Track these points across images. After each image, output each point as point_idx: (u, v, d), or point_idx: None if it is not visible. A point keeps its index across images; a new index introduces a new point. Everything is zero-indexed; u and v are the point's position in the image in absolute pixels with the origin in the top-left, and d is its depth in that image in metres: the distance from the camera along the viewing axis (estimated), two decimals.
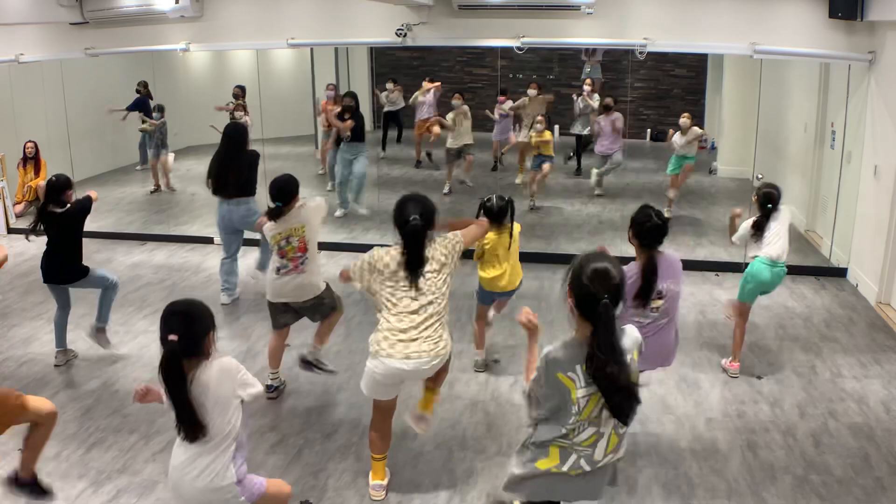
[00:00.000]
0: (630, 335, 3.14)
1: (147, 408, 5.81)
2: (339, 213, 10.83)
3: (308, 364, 5.86)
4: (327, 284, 5.80)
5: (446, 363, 4.57)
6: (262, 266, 7.88)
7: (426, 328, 4.31)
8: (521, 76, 13.81)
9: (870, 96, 8.11)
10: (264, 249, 7.70)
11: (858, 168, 8.31)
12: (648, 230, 4.66)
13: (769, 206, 6.09)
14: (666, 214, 4.91)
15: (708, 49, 9.85)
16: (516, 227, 5.98)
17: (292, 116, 13.55)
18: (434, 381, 4.74)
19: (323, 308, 5.76)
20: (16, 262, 9.22)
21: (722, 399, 5.89)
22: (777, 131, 11.18)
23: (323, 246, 8.86)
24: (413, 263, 4.31)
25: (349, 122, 10.39)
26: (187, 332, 3.31)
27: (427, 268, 4.34)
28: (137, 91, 12.05)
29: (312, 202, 5.71)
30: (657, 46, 8.49)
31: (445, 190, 11.73)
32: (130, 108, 12.02)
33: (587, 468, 3.16)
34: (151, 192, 12.26)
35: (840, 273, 8.62)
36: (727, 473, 4.93)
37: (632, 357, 3.08)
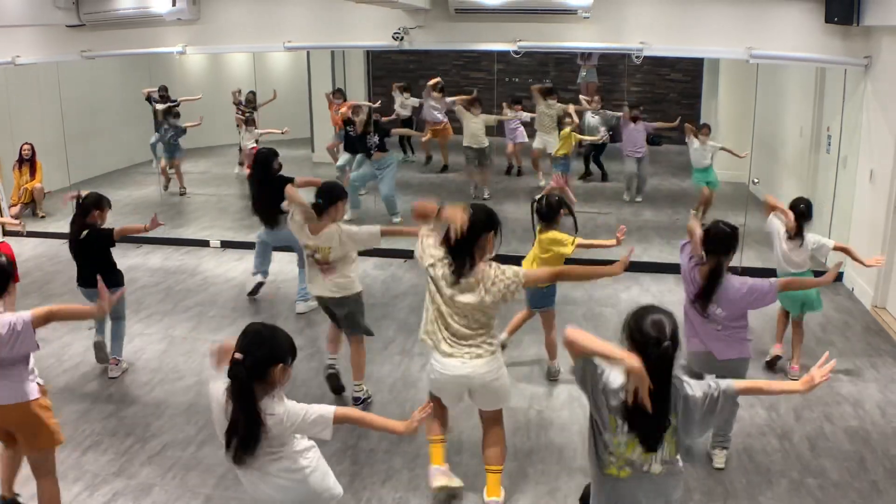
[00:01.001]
0: (698, 386, 3.17)
1: (143, 411, 5.83)
2: (397, 220, 10.76)
3: (360, 401, 5.89)
4: (359, 296, 5.79)
5: None
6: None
7: None
8: (517, 80, 13.83)
9: (865, 101, 8.13)
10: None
11: (854, 172, 8.33)
12: (714, 237, 4.80)
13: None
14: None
15: (704, 53, 9.88)
16: (551, 234, 5.98)
17: (288, 119, 13.53)
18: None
19: (346, 313, 5.72)
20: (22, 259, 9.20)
21: None
22: (773, 136, 11.21)
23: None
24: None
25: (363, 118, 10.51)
26: (251, 352, 3.20)
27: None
28: (162, 96, 12.11)
29: (355, 228, 5.62)
30: (653, 51, 8.52)
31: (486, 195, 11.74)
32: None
33: (630, 471, 3.21)
34: (165, 190, 12.23)
35: (836, 277, 8.62)
36: (723, 477, 4.94)
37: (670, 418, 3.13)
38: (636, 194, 11.80)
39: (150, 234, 10.20)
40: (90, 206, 6.23)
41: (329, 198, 5.55)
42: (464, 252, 4.22)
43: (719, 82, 12.66)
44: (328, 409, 3.38)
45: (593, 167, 12.80)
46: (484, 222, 4.25)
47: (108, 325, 6.49)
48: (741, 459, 5.14)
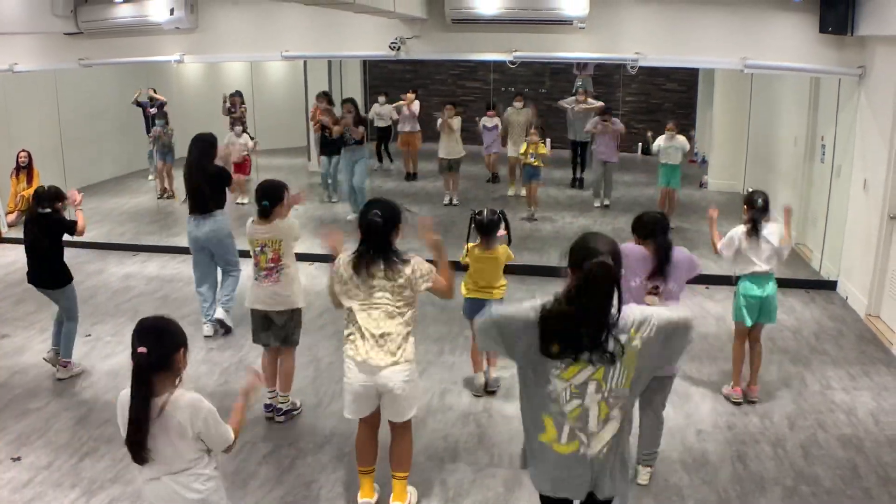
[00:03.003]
0: (639, 310, 3.06)
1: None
2: (350, 216, 10.92)
3: (281, 412, 5.79)
4: (300, 313, 5.78)
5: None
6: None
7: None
8: (513, 89, 13.91)
9: (859, 110, 8.18)
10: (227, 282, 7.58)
11: (848, 182, 8.38)
12: (645, 222, 4.83)
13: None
14: None
15: (699, 63, 9.95)
16: (504, 250, 5.94)
17: (285, 128, 13.60)
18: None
19: (285, 322, 5.69)
20: (7, 271, 9.23)
21: (712, 411, 5.92)
22: (767, 145, 11.27)
23: (316, 258, 8.93)
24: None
25: (362, 130, 10.69)
26: (158, 343, 3.24)
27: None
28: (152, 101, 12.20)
29: (288, 221, 5.72)
30: (648, 61, 8.58)
31: (446, 201, 11.84)
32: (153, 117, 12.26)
33: (585, 441, 3.04)
34: (159, 199, 12.25)
35: (830, 286, 8.67)
36: (717, 484, 4.96)
37: (629, 336, 2.98)
38: (604, 198, 11.86)
39: (146, 243, 10.33)
40: (52, 199, 6.19)
41: (273, 198, 5.61)
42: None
43: (714, 92, 12.74)
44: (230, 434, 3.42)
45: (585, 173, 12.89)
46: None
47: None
48: (735, 467, 5.16)
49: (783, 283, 8.56)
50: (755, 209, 5.86)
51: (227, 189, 7.33)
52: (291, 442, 5.48)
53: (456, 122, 11.68)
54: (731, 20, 8.32)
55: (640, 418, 4.78)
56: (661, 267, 4.74)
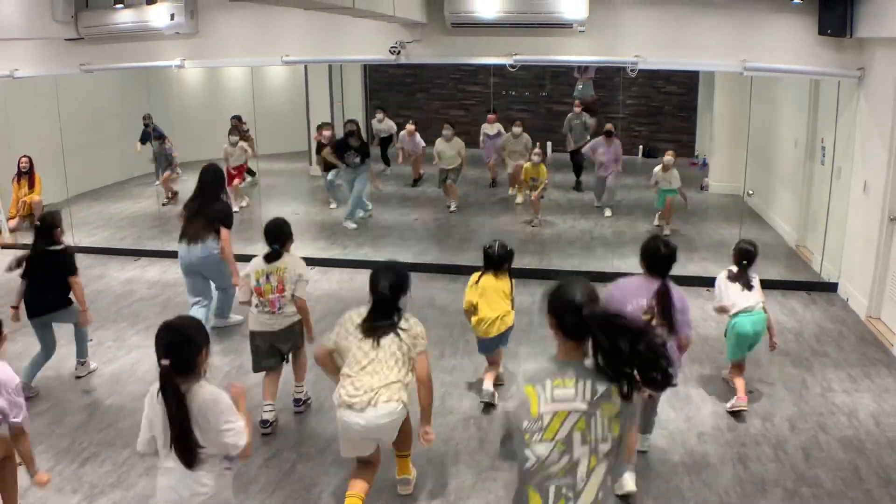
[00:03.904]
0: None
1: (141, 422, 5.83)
2: (352, 226, 10.98)
3: (300, 403, 6.02)
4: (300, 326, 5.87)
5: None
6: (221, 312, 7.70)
7: None
8: (513, 93, 13.92)
9: (859, 112, 8.19)
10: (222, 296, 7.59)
11: (848, 183, 8.38)
12: (660, 259, 4.79)
13: (745, 262, 6.05)
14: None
15: (699, 66, 9.94)
16: (506, 281, 6.02)
17: (286, 133, 13.61)
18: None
19: (293, 344, 5.83)
20: (8, 277, 9.20)
21: (713, 413, 5.93)
22: (768, 147, 11.27)
23: (316, 262, 8.96)
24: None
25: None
26: (180, 351, 3.35)
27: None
28: (145, 124, 12.23)
29: (295, 257, 5.82)
30: (648, 64, 8.58)
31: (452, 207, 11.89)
32: (142, 141, 12.36)
33: (572, 498, 2.91)
34: (164, 205, 12.28)
35: (831, 288, 8.67)
36: (718, 487, 4.96)
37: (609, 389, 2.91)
38: (605, 209, 11.82)
39: (148, 247, 10.34)
40: (52, 226, 6.28)
41: (282, 239, 5.71)
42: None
43: (714, 95, 12.75)
44: (244, 436, 3.47)
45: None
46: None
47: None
48: (736, 469, 5.16)
49: (783, 286, 8.62)
50: (746, 258, 6.04)
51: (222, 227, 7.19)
52: (292, 446, 5.49)
53: (450, 149, 11.70)
54: (730, 23, 8.33)
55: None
56: (665, 312, 4.70)
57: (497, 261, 5.96)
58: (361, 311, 4.50)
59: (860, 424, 5.75)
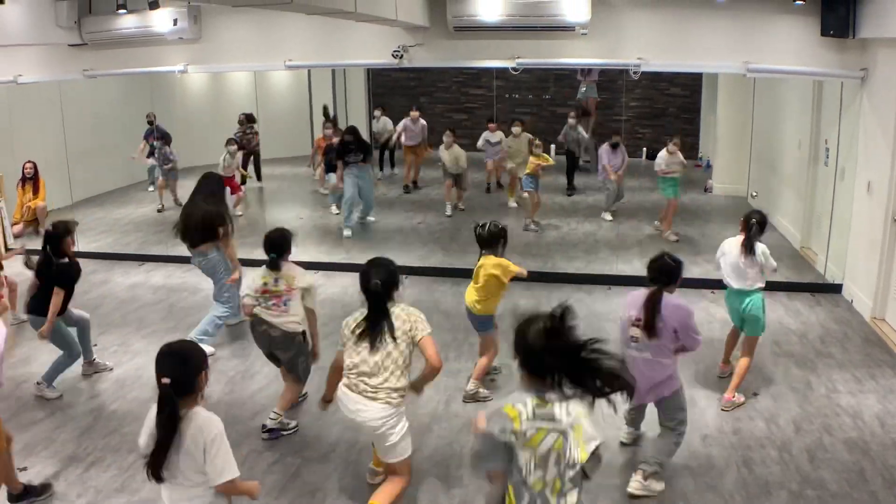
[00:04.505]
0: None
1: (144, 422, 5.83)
2: (347, 233, 10.92)
3: (272, 431, 5.70)
4: (304, 338, 5.75)
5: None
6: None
7: None
8: (516, 96, 13.91)
9: (862, 113, 8.18)
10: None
11: (852, 184, 8.37)
12: (658, 268, 4.93)
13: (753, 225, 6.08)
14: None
15: (701, 68, 9.94)
16: (492, 260, 6.00)
17: (290, 137, 13.62)
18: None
19: (291, 356, 5.70)
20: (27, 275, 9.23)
21: (717, 415, 5.92)
22: (771, 149, 11.26)
23: (320, 266, 8.96)
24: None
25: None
26: (180, 372, 3.35)
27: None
28: (149, 122, 12.28)
29: (301, 271, 5.78)
30: (651, 66, 8.59)
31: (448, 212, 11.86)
32: (146, 138, 12.39)
33: None
34: (158, 211, 12.30)
35: (835, 289, 8.66)
36: (723, 489, 4.95)
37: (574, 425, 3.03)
38: (607, 212, 11.80)
39: (152, 252, 10.36)
40: (64, 233, 6.27)
41: (281, 249, 5.66)
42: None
43: (718, 96, 12.72)
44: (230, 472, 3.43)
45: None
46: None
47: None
48: (740, 471, 5.15)
49: (788, 287, 8.60)
50: (753, 228, 6.06)
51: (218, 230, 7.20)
52: (296, 450, 5.49)
53: (450, 156, 11.70)
54: (733, 24, 8.33)
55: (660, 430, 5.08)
56: (649, 319, 4.85)
57: (482, 242, 6.04)
58: (357, 316, 4.46)
59: (865, 426, 5.73)
